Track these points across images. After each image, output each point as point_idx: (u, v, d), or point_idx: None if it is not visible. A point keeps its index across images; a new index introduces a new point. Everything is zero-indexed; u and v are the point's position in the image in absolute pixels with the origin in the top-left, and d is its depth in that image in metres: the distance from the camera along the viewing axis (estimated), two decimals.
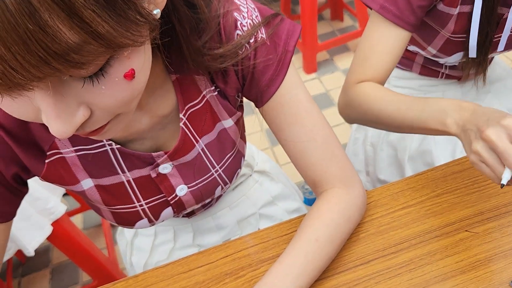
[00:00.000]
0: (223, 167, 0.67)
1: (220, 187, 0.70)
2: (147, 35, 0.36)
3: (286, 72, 0.59)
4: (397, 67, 1.01)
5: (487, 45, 0.79)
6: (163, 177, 0.63)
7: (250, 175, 0.87)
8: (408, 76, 1.00)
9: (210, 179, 0.67)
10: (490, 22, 0.75)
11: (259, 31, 0.55)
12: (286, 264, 0.57)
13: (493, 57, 1.00)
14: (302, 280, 0.57)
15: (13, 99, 0.34)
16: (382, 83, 0.78)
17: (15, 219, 0.60)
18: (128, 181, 0.62)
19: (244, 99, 0.67)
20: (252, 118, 2.41)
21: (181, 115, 0.59)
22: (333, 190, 0.63)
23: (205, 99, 0.59)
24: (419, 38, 0.85)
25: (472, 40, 0.78)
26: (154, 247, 0.87)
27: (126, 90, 0.38)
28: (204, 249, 0.70)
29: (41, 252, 1.80)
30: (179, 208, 0.68)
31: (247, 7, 0.55)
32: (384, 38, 0.75)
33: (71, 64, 0.31)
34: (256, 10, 0.56)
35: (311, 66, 2.41)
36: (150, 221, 0.67)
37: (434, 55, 0.87)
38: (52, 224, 1.19)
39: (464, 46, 0.81)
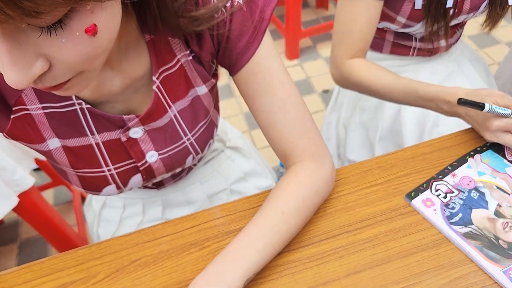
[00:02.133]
0: (196, 136, 0.66)
1: (191, 156, 0.69)
2: None
3: (261, 40, 0.58)
4: (369, 48, 1.01)
5: (443, 2, 0.82)
6: (133, 141, 0.62)
7: (223, 151, 0.86)
8: (379, 58, 1.02)
9: (181, 147, 0.66)
10: None
11: None
12: (251, 235, 0.57)
13: (460, 33, 1.02)
14: (267, 251, 0.57)
15: None
16: (367, 48, 0.85)
17: None
18: (97, 144, 0.60)
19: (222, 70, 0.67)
20: (231, 101, 2.40)
21: (154, 78, 0.57)
22: (303, 163, 0.63)
23: (180, 63, 0.59)
24: (388, 10, 0.87)
25: None
26: (122, 219, 0.86)
27: (87, 46, 0.37)
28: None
29: (9, 226, 1.77)
30: (149, 175, 0.67)
31: None
32: (360, 11, 0.81)
33: (25, 12, 0.29)
34: None
35: (293, 52, 2.40)
36: (118, 187, 0.66)
37: (404, 25, 0.88)
38: (19, 197, 1.16)
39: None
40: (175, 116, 0.63)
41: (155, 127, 0.62)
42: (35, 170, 1.84)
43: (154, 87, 0.58)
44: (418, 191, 0.68)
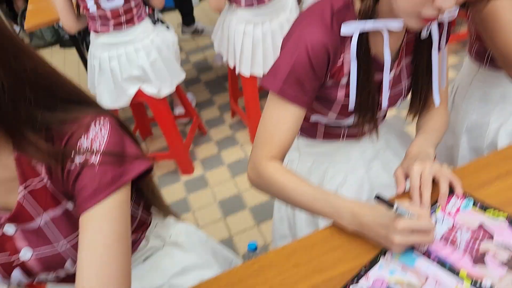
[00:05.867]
0: (73, 242, 0.70)
1: (70, 260, 0.72)
2: None
3: (100, 200, 0.61)
4: (303, 136, 1.12)
5: (371, 104, 0.92)
6: (6, 238, 0.68)
7: (161, 248, 0.90)
8: (313, 144, 1.11)
9: (58, 251, 0.70)
10: (369, 86, 0.89)
11: (93, 156, 0.61)
12: None
13: (385, 115, 1.13)
14: None
15: None
16: (286, 152, 0.91)
17: None
18: None
19: None
20: (206, 191, 2.44)
21: (20, 188, 0.64)
22: None
23: (44, 181, 0.65)
24: (322, 107, 0.97)
25: (352, 102, 0.91)
26: None
27: None
28: None
29: None
30: (28, 272, 0.71)
31: (97, 133, 0.63)
32: (286, 117, 0.87)
33: None
34: (104, 139, 0.63)
35: None
36: (3, 277, 0.71)
37: (335, 119, 0.98)
38: None
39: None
40: (47, 222, 0.67)
41: (28, 228, 0.67)
42: None
43: (19, 198, 0.65)
44: None
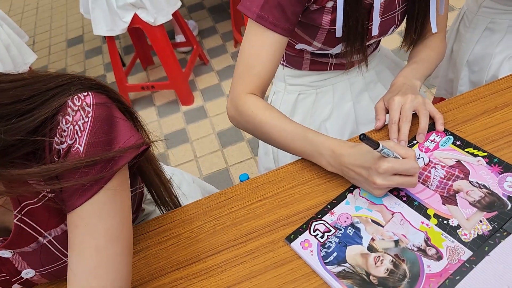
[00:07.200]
0: None
1: None
2: None
3: (90, 197, 0.54)
4: (288, 67, 1.06)
5: (360, 31, 0.84)
6: (4, 260, 0.61)
7: (154, 210, 0.88)
8: (299, 74, 1.05)
9: (63, 265, 0.65)
10: (358, 11, 0.80)
11: (76, 144, 0.52)
12: None
13: (377, 45, 1.05)
14: None
15: None
16: (267, 85, 0.84)
17: None
18: None
19: None
20: (205, 122, 2.44)
21: (15, 212, 0.56)
22: None
23: (46, 198, 0.56)
24: (305, 35, 0.90)
25: (338, 28, 0.83)
26: None
27: None
28: None
29: None
30: (31, 284, 0.67)
31: (79, 115, 0.53)
32: (265, 46, 0.80)
33: None
34: (88, 123, 0.53)
35: None
36: None
37: (320, 49, 0.91)
38: None
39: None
40: (49, 241, 0.60)
41: (25, 251, 0.60)
42: None
43: (15, 220, 0.57)
44: (297, 233, 0.68)
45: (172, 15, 2.11)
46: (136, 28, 2.20)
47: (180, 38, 2.68)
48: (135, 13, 2.01)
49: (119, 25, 2.04)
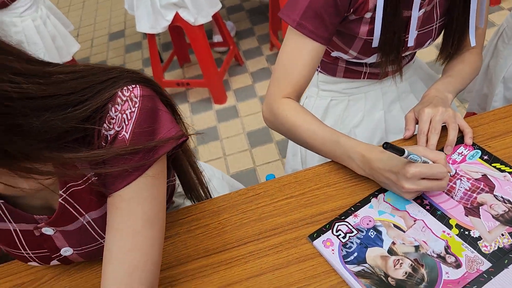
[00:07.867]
0: None
1: None
2: None
3: (131, 182, 0.58)
4: (322, 73, 1.08)
5: (396, 43, 0.86)
6: (46, 237, 0.66)
7: (183, 203, 0.91)
8: (333, 81, 1.08)
9: (98, 246, 0.69)
10: (396, 23, 0.83)
11: (122, 131, 0.56)
12: None
13: (413, 56, 1.06)
14: None
15: None
16: (303, 91, 0.88)
17: None
18: (15, 231, 0.65)
19: None
20: (235, 121, 2.49)
21: (60, 192, 0.61)
22: None
23: (90, 181, 0.61)
24: (341, 43, 0.93)
25: (375, 38, 0.85)
26: None
27: None
28: None
29: None
30: (68, 262, 0.72)
31: (127, 105, 0.57)
32: (303, 53, 0.83)
33: None
34: (135, 113, 0.57)
35: None
36: (42, 263, 0.70)
37: (355, 57, 0.94)
38: None
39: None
40: (88, 222, 0.65)
41: (66, 229, 0.65)
42: None
43: (60, 200, 0.61)
44: (320, 232, 0.71)
45: (212, 16, 2.17)
46: (176, 26, 2.27)
47: (217, 38, 2.74)
48: (176, 12, 2.08)
49: (161, 23, 2.12)
